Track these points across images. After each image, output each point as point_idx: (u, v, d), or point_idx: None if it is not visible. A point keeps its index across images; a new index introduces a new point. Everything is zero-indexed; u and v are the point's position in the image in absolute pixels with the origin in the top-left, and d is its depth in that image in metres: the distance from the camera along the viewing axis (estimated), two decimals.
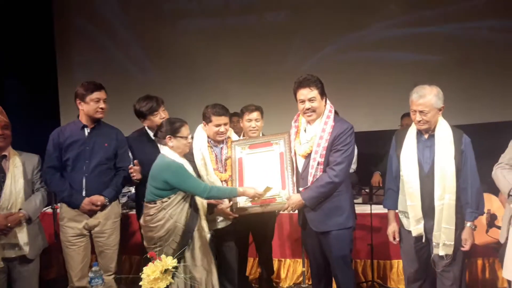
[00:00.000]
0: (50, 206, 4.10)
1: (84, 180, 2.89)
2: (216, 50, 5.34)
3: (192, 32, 5.42)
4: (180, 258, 2.56)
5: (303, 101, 2.66)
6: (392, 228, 2.73)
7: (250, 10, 5.31)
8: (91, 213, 2.89)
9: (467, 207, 2.49)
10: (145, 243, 2.70)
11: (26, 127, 4.15)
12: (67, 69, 5.68)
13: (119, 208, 3.07)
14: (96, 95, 2.85)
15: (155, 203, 2.61)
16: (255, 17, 5.29)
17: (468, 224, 2.51)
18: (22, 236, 2.76)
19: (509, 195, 2.33)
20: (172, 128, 2.68)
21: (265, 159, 2.89)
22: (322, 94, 2.69)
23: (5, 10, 4.85)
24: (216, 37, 5.36)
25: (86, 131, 2.92)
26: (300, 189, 2.72)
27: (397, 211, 2.72)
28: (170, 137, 2.66)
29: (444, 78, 4.72)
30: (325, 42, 5.12)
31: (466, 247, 2.51)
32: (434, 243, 2.53)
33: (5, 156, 2.78)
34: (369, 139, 4.68)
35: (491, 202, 3.01)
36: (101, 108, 2.88)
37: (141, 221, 2.71)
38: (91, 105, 2.85)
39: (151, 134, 3.09)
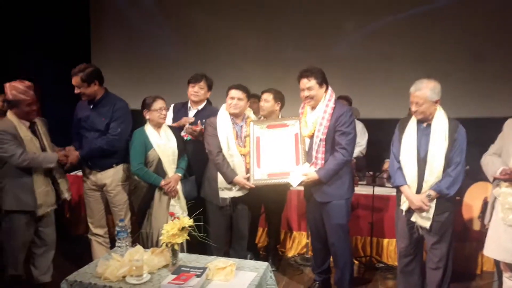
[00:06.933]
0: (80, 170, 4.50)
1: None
2: (240, 33, 5.52)
3: (217, 12, 5.59)
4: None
5: (303, 90, 3.01)
6: (417, 197, 2.76)
7: None
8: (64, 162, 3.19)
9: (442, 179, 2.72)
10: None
11: (59, 99, 4.48)
12: (101, 47, 5.98)
13: (125, 174, 3.35)
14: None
15: None
16: (280, 3, 5.44)
17: (428, 192, 2.74)
18: (64, 184, 3.21)
19: (494, 180, 2.55)
20: (146, 103, 3.18)
21: (281, 138, 3.17)
22: (321, 83, 2.98)
23: None
24: (239, 19, 5.52)
25: (91, 106, 3.30)
26: (312, 167, 3.00)
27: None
28: (146, 110, 3.19)
29: (457, 70, 4.88)
30: (344, 31, 5.26)
31: (414, 207, 2.77)
32: (416, 214, 2.81)
33: (35, 123, 3.13)
34: (382, 126, 4.86)
35: (487, 190, 3.23)
36: (77, 93, 3.21)
37: None
38: None
39: (189, 105, 3.54)
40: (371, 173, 3.78)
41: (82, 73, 3.17)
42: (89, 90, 3.21)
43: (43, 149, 3.07)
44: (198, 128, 3.32)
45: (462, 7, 4.87)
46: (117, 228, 2.61)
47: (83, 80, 3.17)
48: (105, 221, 3.48)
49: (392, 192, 3.46)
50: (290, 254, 4.08)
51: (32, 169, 2.98)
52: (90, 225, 3.45)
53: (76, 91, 3.20)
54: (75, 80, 3.18)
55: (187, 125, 3.36)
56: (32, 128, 3.07)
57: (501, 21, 4.76)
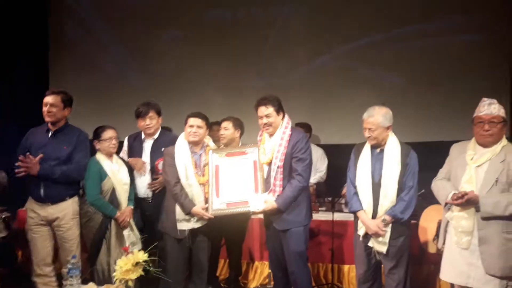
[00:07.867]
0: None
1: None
2: (201, 60, 5.56)
3: (178, 39, 5.64)
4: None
5: (261, 117, 3.06)
6: (373, 222, 2.81)
7: (235, 24, 5.59)
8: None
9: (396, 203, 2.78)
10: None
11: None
12: (59, 76, 5.86)
13: (77, 207, 3.23)
14: (44, 99, 3.14)
15: None
16: (241, 32, 5.55)
17: (383, 217, 2.79)
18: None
19: (446, 204, 2.63)
20: (96, 133, 3.21)
21: (240, 166, 3.17)
22: (279, 110, 3.05)
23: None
24: (201, 46, 5.57)
25: (50, 134, 3.19)
26: (271, 194, 3.00)
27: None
28: (96, 141, 3.21)
29: (411, 96, 5.10)
30: (303, 60, 5.41)
31: (370, 232, 2.81)
32: (373, 239, 2.84)
33: None
34: (341, 151, 4.95)
35: (441, 213, 3.32)
36: (48, 112, 3.12)
37: None
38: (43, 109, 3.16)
39: (143, 136, 3.53)
40: (329, 198, 3.81)
41: (64, 94, 3.17)
42: (61, 114, 3.16)
43: None
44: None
45: (415, 37, 5.13)
46: (69, 265, 2.50)
47: (63, 101, 3.15)
48: (51, 259, 3.25)
49: (351, 217, 3.50)
50: (252, 285, 3.99)
51: None
52: (35, 266, 3.18)
53: (49, 109, 3.10)
54: (55, 99, 3.11)
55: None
56: None
57: (452, 52, 5.03)
